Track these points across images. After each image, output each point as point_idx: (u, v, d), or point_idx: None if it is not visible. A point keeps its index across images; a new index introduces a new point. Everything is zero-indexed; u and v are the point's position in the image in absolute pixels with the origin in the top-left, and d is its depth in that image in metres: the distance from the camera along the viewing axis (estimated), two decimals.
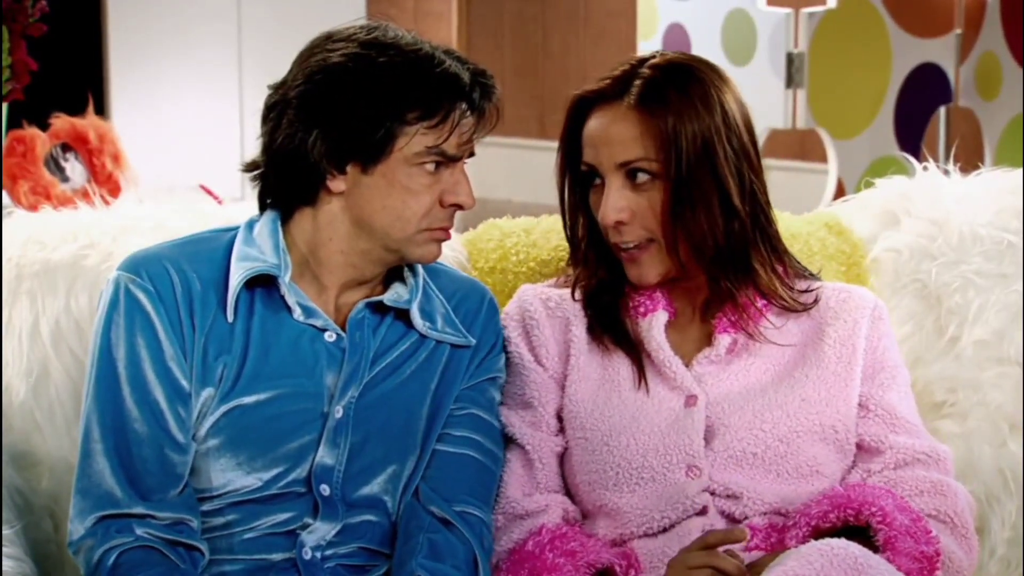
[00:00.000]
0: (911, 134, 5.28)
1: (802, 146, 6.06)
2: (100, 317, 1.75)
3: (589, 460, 1.84)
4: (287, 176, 1.75)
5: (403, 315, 1.82)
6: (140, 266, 1.75)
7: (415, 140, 1.70)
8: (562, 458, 1.89)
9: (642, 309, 1.88)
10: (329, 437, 1.75)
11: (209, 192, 3.82)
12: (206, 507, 1.74)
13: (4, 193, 3.67)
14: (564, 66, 7.70)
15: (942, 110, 5.19)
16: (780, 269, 1.88)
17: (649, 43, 6.03)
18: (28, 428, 1.91)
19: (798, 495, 1.80)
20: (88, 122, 3.94)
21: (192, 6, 6.70)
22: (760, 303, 1.87)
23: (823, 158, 5.44)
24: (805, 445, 1.82)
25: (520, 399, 1.89)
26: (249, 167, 1.80)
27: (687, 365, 1.86)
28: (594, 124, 1.84)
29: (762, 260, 1.85)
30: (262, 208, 1.81)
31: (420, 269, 1.84)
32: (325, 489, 1.75)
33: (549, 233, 2.13)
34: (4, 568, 1.68)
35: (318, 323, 1.77)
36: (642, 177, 1.80)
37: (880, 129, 5.33)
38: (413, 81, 1.69)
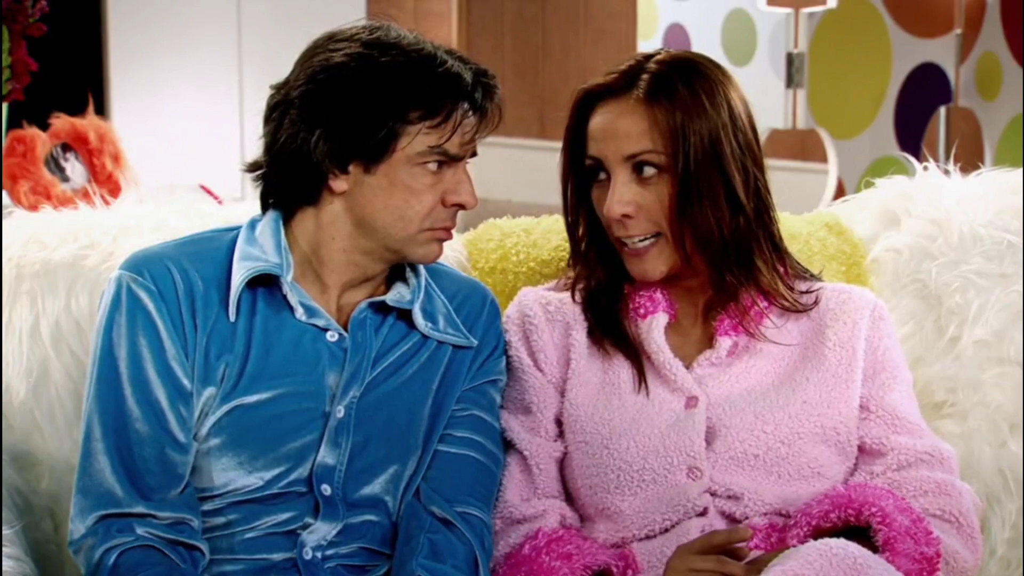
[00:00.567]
0: (911, 134, 5.28)
1: (802, 146, 6.06)
2: (102, 316, 1.75)
3: (590, 464, 1.84)
4: (289, 176, 1.75)
5: (405, 315, 1.82)
6: (142, 265, 1.75)
7: (417, 140, 1.70)
8: (561, 463, 1.89)
9: (642, 311, 1.88)
10: (330, 437, 1.75)
11: (209, 192, 3.82)
12: (207, 507, 1.74)
13: (4, 193, 3.67)
14: (564, 66, 7.71)
15: (942, 110, 5.19)
16: (781, 269, 1.89)
17: (649, 43, 6.03)
18: (28, 428, 1.91)
19: (799, 496, 1.80)
20: (88, 122, 3.95)
21: (192, 6, 6.70)
22: (762, 304, 1.87)
23: (823, 158, 5.45)
24: (806, 447, 1.82)
25: (519, 404, 1.89)
26: (251, 167, 1.80)
27: (688, 367, 1.86)
28: (600, 118, 1.84)
29: (764, 258, 1.85)
30: (264, 208, 1.81)
31: (422, 269, 1.84)
32: (326, 489, 1.75)
33: (549, 233, 2.13)
34: (4, 568, 1.68)
35: (320, 323, 1.77)
36: (649, 171, 1.80)
37: (880, 129, 5.33)
38: (415, 81, 1.69)
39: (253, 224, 1.81)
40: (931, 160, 2.29)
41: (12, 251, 1.96)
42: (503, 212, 2.31)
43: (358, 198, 1.74)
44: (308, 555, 1.74)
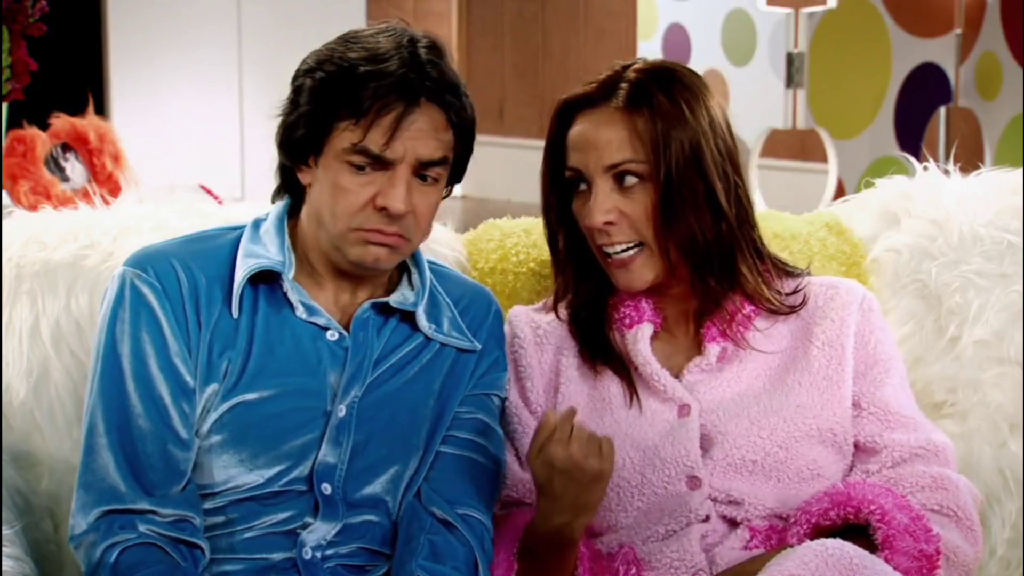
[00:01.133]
0: (911, 134, 5.28)
1: (802, 146, 6.06)
2: (105, 312, 1.75)
3: None
4: (281, 165, 1.81)
5: (409, 317, 1.82)
6: (146, 262, 1.75)
7: (343, 136, 1.71)
8: None
9: (627, 321, 1.87)
10: (331, 436, 1.75)
11: (209, 192, 3.82)
12: (207, 504, 1.74)
13: (4, 193, 3.67)
14: (564, 66, 7.71)
15: (942, 110, 5.19)
16: (765, 272, 1.88)
17: (649, 43, 6.03)
18: (28, 428, 1.91)
19: (799, 498, 1.80)
20: (88, 122, 3.95)
21: (192, 7, 6.70)
22: (748, 309, 1.86)
23: (823, 158, 5.45)
24: (804, 449, 1.82)
25: (508, 438, 1.88)
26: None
27: (678, 375, 1.86)
28: (580, 128, 1.83)
29: (748, 263, 1.85)
30: (275, 198, 1.85)
31: (427, 272, 1.84)
32: (326, 488, 1.75)
33: None
34: (4, 568, 1.68)
35: (320, 321, 1.77)
36: (630, 180, 1.80)
37: (880, 129, 5.33)
38: (345, 80, 1.70)
39: (257, 223, 1.82)
40: (931, 160, 2.29)
41: (12, 251, 1.96)
42: (503, 212, 2.31)
43: (314, 191, 1.76)
44: (308, 555, 1.74)
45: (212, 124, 6.71)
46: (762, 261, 1.88)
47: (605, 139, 1.80)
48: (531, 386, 1.89)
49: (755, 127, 5.33)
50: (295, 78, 1.75)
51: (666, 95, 1.80)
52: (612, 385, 1.86)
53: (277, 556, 1.74)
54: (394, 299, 1.81)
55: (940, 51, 5.23)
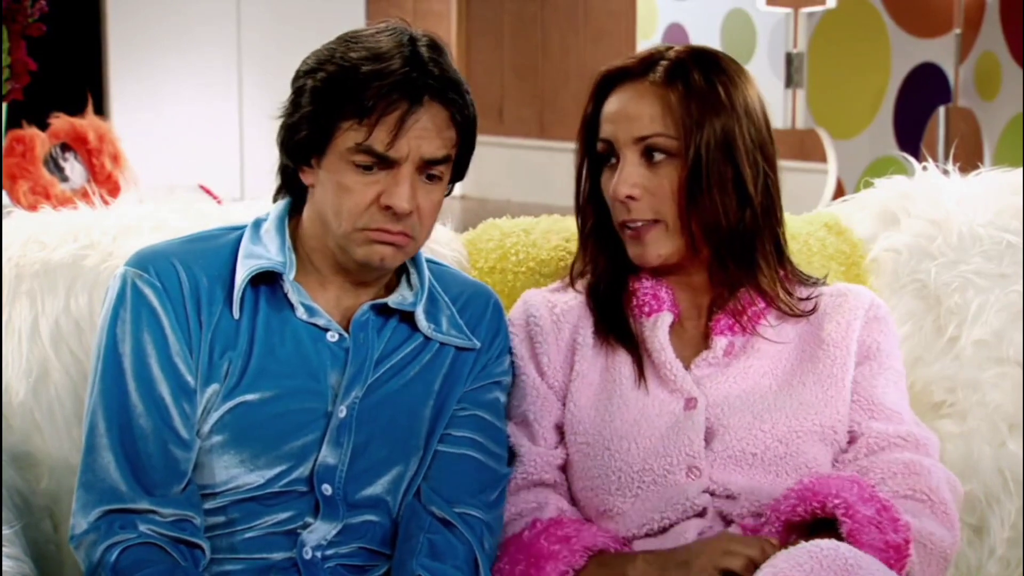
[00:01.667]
0: (910, 134, 5.28)
1: (802, 146, 6.06)
2: (106, 312, 1.75)
3: (591, 466, 1.84)
4: (281, 164, 1.80)
5: (408, 317, 1.82)
6: (147, 262, 1.75)
7: (348, 135, 1.70)
8: (563, 468, 1.88)
9: (647, 308, 1.88)
10: (332, 437, 1.75)
11: (208, 192, 3.83)
12: (208, 504, 1.74)
13: (4, 193, 3.67)
14: (563, 66, 7.71)
15: (941, 110, 5.19)
16: (782, 272, 1.89)
17: (648, 43, 6.02)
18: (28, 428, 1.91)
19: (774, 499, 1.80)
20: (87, 122, 3.95)
21: (191, 6, 6.70)
22: (760, 304, 1.87)
23: (822, 158, 5.45)
24: (804, 446, 1.82)
25: (518, 411, 1.89)
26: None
27: (686, 367, 1.86)
28: (616, 101, 1.85)
29: (766, 257, 1.86)
30: (276, 197, 1.84)
31: (426, 271, 1.84)
32: (327, 489, 1.75)
33: (549, 233, 2.13)
34: (3, 568, 1.68)
35: (320, 322, 1.77)
36: (658, 156, 1.81)
37: (879, 129, 5.33)
38: (347, 80, 1.70)
39: (258, 223, 1.82)
40: (930, 160, 2.29)
41: (11, 251, 1.96)
42: (502, 212, 2.31)
43: (317, 192, 1.76)
44: (308, 555, 1.74)
45: (211, 124, 6.71)
46: (781, 262, 1.89)
47: (638, 112, 1.82)
48: (547, 361, 1.89)
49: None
50: (295, 79, 1.75)
51: (703, 76, 1.82)
52: (624, 367, 1.87)
53: (277, 556, 1.74)
54: (392, 300, 1.81)
55: (939, 51, 5.23)
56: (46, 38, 3.79)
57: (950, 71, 5.18)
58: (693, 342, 1.89)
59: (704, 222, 1.81)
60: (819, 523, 1.71)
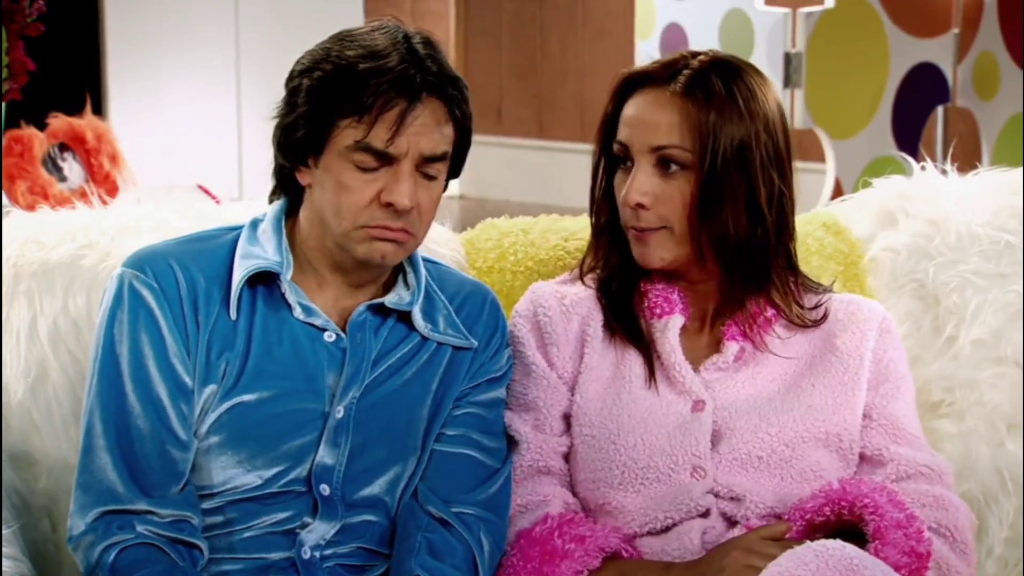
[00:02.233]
0: (909, 134, 5.28)
1: (800, 146, 6.04)
2: (103, 313, 1.75)
3: (595, 458, 1.84)
4: (277, 164, 1.80)
5: (405, 317, 1.82)
6: (144, 262, 1.75)
7: (346, 133, 1.70)
8: (566, 457, 1.89)
9: (658, 310, 1.88)
10: (329, 437, 1.75)
11: (207, 192, 3.83)
12: (206, 505, 1.74)
13: (2, 193, 3.67)
14: (562, 66, 7.70)
15: (940, 110, 5.19)
16: (793, 286, 1.89)
17: (647, 43, 6.02)
18: (26, 428, 1.91)
19: (798, 499, 1.80)
20: (86, 122, 3.95)
21: (190, 6, 6.70)
22: (769, 312, 1.87)
23: (821, 158, 5.44)
24: (809, 450, 1.82)
25: (524, 400, 1.89)
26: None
27: (695, 370, 1.86)
28: (635, 105, 1.85)
29: (779, 272, 1.86)
30: (272, 198, 1.84)
31: (423, 271, 1.84)
32: (325, 489, 1.75)
33: (547, 233, 2.13)
34: (2, 568, 1.68)
35: (318, 322, 1.77)
36: (673, 167, 1.81)
37: (878, 129, 5.33)
38: (345, 77, 1.70)
39: (255, 223, 1.82)
40: (929, 160, 2.29)
41: (10, 251, 1.96)
42: (501, 212, 2.31)
43: (314, 192, 1.76)
44: (306, 554, 1.74)
45: (210, 124, 6.70)
46: (793, 274, 1.89)
47: (656, 120, 1.82)
48: (557, 352, 1.89)
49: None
50: (290, 79, 1.75)
51: (725, 88, 1.81)
52: (635, 365, 1.87)
53: (276, 556, 1.74)
54: (389, 300, 1.81)
55: (938, 51, 5.22)
56: (44, 38, 3.79)
57: (948, 71, 5.18)
58: (703, 346, 1.89)
59: (713, 235, 1.81)
60: (843, 529, 1.72)
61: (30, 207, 2.83)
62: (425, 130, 1.71)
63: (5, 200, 3.67)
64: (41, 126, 3.93)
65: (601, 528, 1.79)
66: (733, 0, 5.61)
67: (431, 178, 1.74)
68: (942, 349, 2.12)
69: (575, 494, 1.87)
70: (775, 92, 1.87)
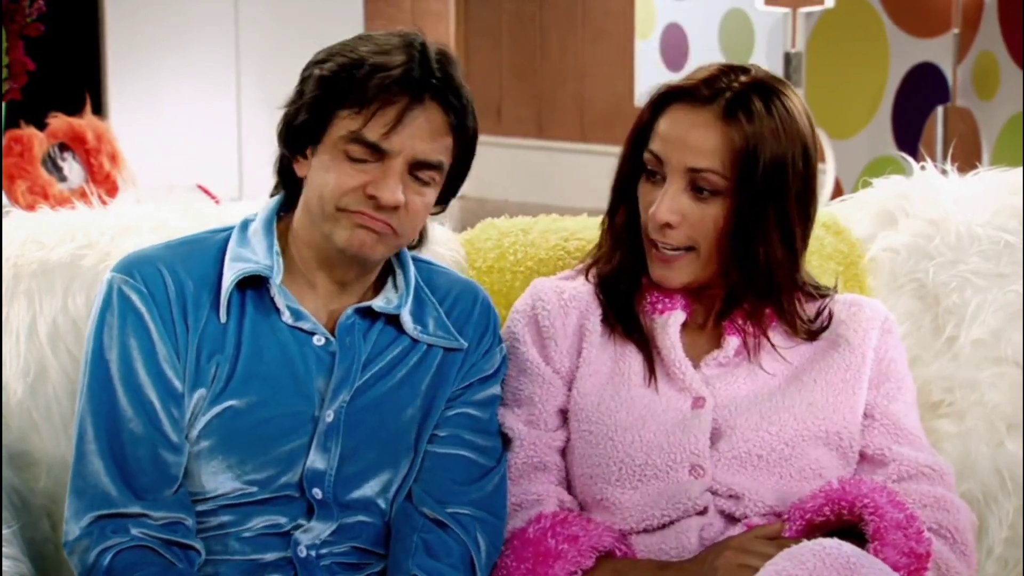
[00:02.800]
0: (909, 134, 5.28)
1: None
2: (94, 319, 1.75)
3: (592, 454, 1.84)
4: (279, 156, 1.81)
5: (394, 319, 1.81)
6: (133, 267, 1.75)
7: (343, 123, 1.71)
8: (563, 452, 1.89)
9: (660, 307, 1.87)
10: (320, 441, 1.75)
11: (207, 192, 3.82)
12: (199, 508, 1.74)
13: (2, 193, 3.67)
14: (562, 66, 7.70)
15: (940, 110, 5.19)
16: (798, 297, 1.88)
17: (647, 43, 6.03)
18: (25, 428, 1.91)
19: (798, 497, 1.80)
20: (86, 122, 3.95)
21: (190, 6, 6.70)
22: (769, 310, 1.87)
23: (821, 158, 5.44)
24: (809, 449, 1.82)
25: (519, 396, 1.89)
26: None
27: (696, 367, 1.86)
28: (674, 121, 1.82)
29: (788, 290, 1.86)
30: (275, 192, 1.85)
31: (412, 272, 1.83)
32: (317, 493, 1.75)
33: (547, 233, 2.13)
34: (2, 568, 1.68)
35: (306, 326, 1.77)
36: (705, 192, 1.79)
37: (878, 129, 5.33)
38: (354, 70, 1.70)
39: (246, 224, 1.81)
40: (928, 160, 2.29)
41: (10, 251, 1.96)
42: (500, 212, 2.31)
43: (308, 183, 1.76)
44: (303, 553, 1.74)
45: (210, 124, 6.70)
46: (799, 288, 1.89)
47: (695, 142, 1.79)
48: (555, 346, 1.89)
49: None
50: (305, 69, 1.76)
51: (767, 114, 1.79)
52: (634, 362, 1.86)
53: (271, 556, 1.74)
54: (377, 303, 1.80)
55: (938, 51, 5.22)
56: (44, 38, 3.79)
57: (948, 71, 5.18)
58: (703, 341, 1.89)
59: (739, 257, 1.81)
60: (843, 529, 1.72)
61: (30, 207, 2.83)
62: (422, 133, 1.71)
63: (5, 200, 3.67)
64: (41, 126, 3.93)
65: (595, 527, 1.79)
66: (733, 0, 5.61)
67: (424, 183, 1.74)
68: (942, 349, 2.12)
69: (572, 489, 1.87)
70: (813, 119, 1.85)
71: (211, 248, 1.79)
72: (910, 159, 2.32)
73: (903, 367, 1.93)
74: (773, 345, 1.87)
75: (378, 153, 1.70)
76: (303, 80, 1.75)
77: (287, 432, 1.74)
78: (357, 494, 1.77)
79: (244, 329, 1.75)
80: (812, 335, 1.89)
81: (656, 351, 1.86)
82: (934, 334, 2.13)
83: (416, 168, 1.72)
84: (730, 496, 1.80)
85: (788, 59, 5.22)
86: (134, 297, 1.73)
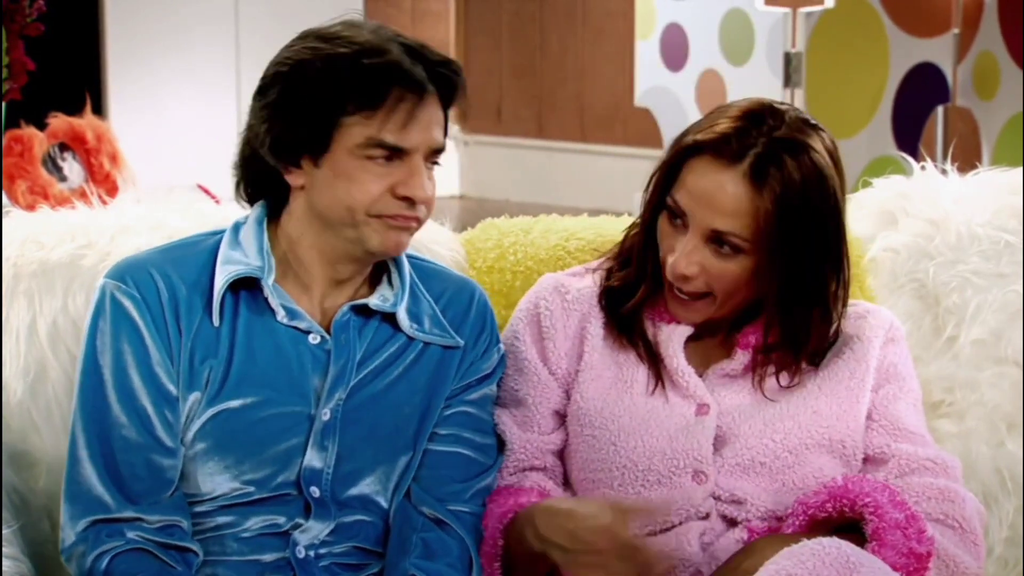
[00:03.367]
0: (909, 134, 5.28)
1: None
2: (87, 325, 1.75)
3: (595, 458, 1.84)
4: (251, 169, 1.78)
5: (390, 317, 1.81)
6: (125, 273, 1.75)
7: (355, 131, 1.69)
8: (560, 454, 1.88)
9: (666, 317, 1.87)
10: (316, 440, 1.75)
11: (207, 192, 3.82)
12: (196, 509, 1.73)
13: (2, 193, 3.67)
14: (562, 66, 7.71)
15: (940, 110, 5.19)
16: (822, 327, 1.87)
17: (647, 43, 6.03)
18: (25, 428, 1.91)
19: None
20: (86, 122, 3.95)
21: (190, 6, 6.70)
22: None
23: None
24: (812, 456, 1.82)
25: (515, 396, 1.88)
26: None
27: (702, 373, 1.86)
28: (700, 175, 1.78)
29: (807, 329, 1.84)
30: (252, 201, 1.82)
31: (408, 270, 1.83)
32: (315, 491, 1.75)
33: (547, 233, 2.13)
34: (2, 568, 1.68)
35: (302, 325, 1.76)
36: (727, 249, 1.78)
37: (878, 129, 5.33)
38: (348, 73, 1.68)
39: (237, 227, 1.80)
40: (929, 160, 2.29)
41: (10, 251, 1.96)
42: (501, 211, 2.31)
43: (313, 193, 1.73)
44: (301, 553, 1.74)
45: (210, 124, 6.70)
46: (826, 324, 1.86)
47: (721, 203, 1.76)
48: (553, 347, 1.88)
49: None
50: (271, 83, 1.72)
51: (796, 173, 1.75)
52: (638, 371, 1.86)
53: (270, 556, 1.74)
54: (373, 301, 1.79)
55: (938, 51, 5.23)
56: (44, 38, 3.79)
57: (948, 71, 5.19)
58: (713, 348, 1.89)
59: (757, 302, 1.82)
60: (845, 526, 1.72)
61: (30, 207, 2.83)
62: (433, 123, 1.71)
63: (5, 200, 3.67)
64: (41, 126, 3.93)
65: (526, 494, 1.80)
66: (733, 0, 5.61)
67: (433, 165, 1.75)
68: (942, 349, 2.12)
69: (574, 492, 1.87)
70: (832, 149, 1.81)
71: (203, 252, 1.78)
72: (910, 159, 2.32)
73: (906, 370, 1.92)
74: (781, 385, 1.86)
75: (398, 152, 1.70)
76: (281, 91, 1.70)
77: (284, 431, 1.74)
78: (355, 492, 1.77)
79: (238, 331, 1.75)
80: (820, 361, 1.87)
81: (660, 360, 1.86)
82: (934, 334, 2.13)
83: (431, 155, 1.73)
84: (732, 501, 1.80)
85: (788, 59, 5.22)
86: (127, 303, 1.73)
